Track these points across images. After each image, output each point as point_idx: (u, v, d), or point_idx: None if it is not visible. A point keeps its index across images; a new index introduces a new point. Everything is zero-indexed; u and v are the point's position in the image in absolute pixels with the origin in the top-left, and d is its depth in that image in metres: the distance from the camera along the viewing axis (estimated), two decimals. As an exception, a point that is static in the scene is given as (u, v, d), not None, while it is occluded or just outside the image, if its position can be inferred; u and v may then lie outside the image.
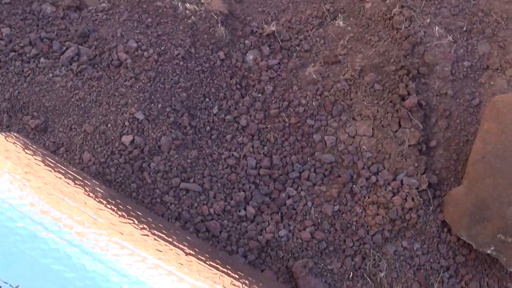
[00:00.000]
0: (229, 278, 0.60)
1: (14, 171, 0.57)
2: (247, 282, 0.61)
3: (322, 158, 0.87)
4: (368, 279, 0.84)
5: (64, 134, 0.79)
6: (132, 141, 0.78)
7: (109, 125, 0.79)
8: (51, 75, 0.82)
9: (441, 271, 0.88)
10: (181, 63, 0.86)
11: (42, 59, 0.84)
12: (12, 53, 0.85)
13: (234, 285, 0.60)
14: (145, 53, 0.85)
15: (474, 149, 0.88)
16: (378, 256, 0.85)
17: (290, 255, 0.81)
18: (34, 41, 0.86)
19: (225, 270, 0.61)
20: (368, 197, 0.86)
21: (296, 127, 0.88)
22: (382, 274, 0.84)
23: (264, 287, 0.63)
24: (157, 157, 0.79)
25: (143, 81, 0.82)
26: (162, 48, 0.86)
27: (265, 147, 0.86)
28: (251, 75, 0.90)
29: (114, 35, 0.86)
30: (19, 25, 0.89)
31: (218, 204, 0.79)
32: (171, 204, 0.77)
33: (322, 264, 0.83)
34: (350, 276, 0.83)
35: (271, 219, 0.82)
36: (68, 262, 0.52)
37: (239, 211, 0.80)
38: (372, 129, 0.90)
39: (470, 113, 0.96)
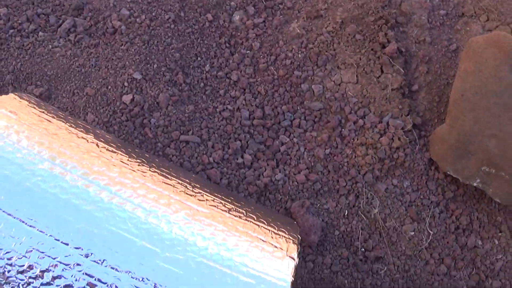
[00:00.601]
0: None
1: (31, 121, 0.63)
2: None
3: (311, 106, 0.93)
4: (363, 216, 0.91)
5: (67, 99, 0.85)
6: (132, 100, 0.84)
7: (109, 87, 0.85)
8: (50, 46, 0.88)
9: (432, 207, 0.95)
10: (172, 26, 0.92)
11: (40, 33, 0.89)
12: (12, 30, 0.90)
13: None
14: (137, 19, 0.90)
15: (454, 89, 0.94)
16: (371, 194, 0.92)
17: (287, 197, 0.88)
18: (31, 17, 0.91)
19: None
20: (357, 139, 0.93)
21: (284, 79, 0.94)
22: (375, 211, 0.91)
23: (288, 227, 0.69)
24: (156, 113, 0.85)
25: (138, 44, 0.88)
26: (153, 13, 0.92)
27: (256, 99, 0.92)
28: (238, 34, 0.96)
29: (107, 5, 0.92)
30: (15, 5, 0.95)
31: (217, 153, 0.85)
32: (172, 156, 0.84)
33: (318, 204, 0.89)
34: (346, 214, 0.90)
35: (267, 165, 0.89)
36: (87, 196, 0.58)
37: (237, 159, 0.87)
38: (356, 76, 0.96)
39: (448, 57, 1.02)
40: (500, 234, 1.04)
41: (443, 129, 0.97)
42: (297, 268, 0.84)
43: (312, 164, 0.93)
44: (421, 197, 0.98)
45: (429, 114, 0.99)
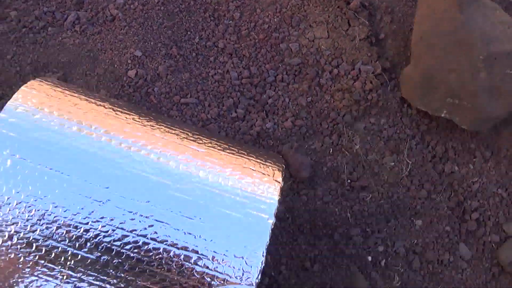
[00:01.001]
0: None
1: (57, 97, 0.78)
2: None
3: (290, 62, 1.07)
4: (346, 152, 1.05)
5: (81, 80, 0.99)
6: (136, 74, 0.98)
7: (115, 66, 0.99)
8: (60, 38, 1.02)
9: (408, 139, 1.08)
10: (162, 8, 1.05)
11: (49, 28, 1.03)
12: (24, 29, 1.04)
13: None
14: (131, 6, 1.04)
15: (413, 32, 1.07)
16: (351, 133, 1.06)
17: (278, 142, 1.02)
18: (39, 16, 1.05)
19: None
20: (334, 86, 1.06)
21: (264, 41, 1.07)
22: (357, 147, 1.05)
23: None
24: (158, 83, 0.99)
25: (135, 27, 1.02)
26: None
27: (242, 62, 1.06)
28: (220, 7, 1.09)
29: None
30: (23, 7, 1.08)
31: (213, 111, 0.99)
32: (176, 116, 0.98)
33: (306, 145, 1.03)
34: (331, 151, 1.04)
35: (258, 116, 1.02)
36: (109, 148, 0.73)
37: (231, 114, 1.01)
38: (327, 31, 1.09)
39: (409, 6, 1.14)
40: (474, 159, 1.16)
41: (409, 69, 1.10)
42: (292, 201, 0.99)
43: (297, 111, 1.06)
44: (398, 131, 1.11)
45: (397, 58, 1.12)
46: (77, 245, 0.72)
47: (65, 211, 0.72)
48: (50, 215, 0.72)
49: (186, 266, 0.72)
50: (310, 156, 1.03)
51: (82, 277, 0.73)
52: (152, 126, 0.81)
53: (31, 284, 0.74)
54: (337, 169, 1.04)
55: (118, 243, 0.71)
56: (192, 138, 0.82)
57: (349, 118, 1.06)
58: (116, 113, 0.80)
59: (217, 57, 1.07)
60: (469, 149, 1.11)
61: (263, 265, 0.75)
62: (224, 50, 1.07)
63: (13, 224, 0.72)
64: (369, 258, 1.01)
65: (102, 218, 0.72)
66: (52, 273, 0.73)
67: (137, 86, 0.99)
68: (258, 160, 0.82)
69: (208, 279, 0.73)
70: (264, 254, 0.75)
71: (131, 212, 0.71)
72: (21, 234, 0.72)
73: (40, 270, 0.73)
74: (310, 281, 0.98)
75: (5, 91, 1.00)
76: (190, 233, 0.72)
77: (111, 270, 0.73)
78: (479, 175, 1.10)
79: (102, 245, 0.71)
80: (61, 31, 1.03)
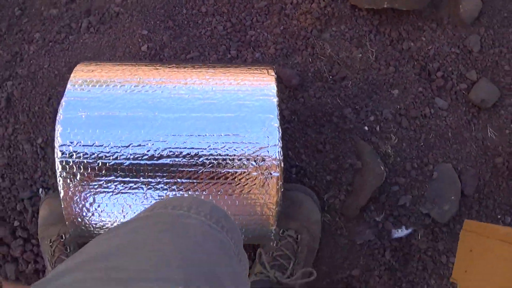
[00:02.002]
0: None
1: (104, 69, 1.08)
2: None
3: (259, 5, 1.35)
4: (322, 57, 1.32)
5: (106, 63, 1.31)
6: (148, 47, 1.29)
7: (130, 46, 1.30)
8: (81, 40, 1.33)
9: (367, 34, 1.36)
10: (153, -4, 1.38)
11: (70, 37, 1.33)
12: (50, 43, 1.34)
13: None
14: (128, 1, 1.36)
15: None
16: (321, 42, 1.34)
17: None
18: (58, 31, 1.34)
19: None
20: (297, 12, 1.35)
21: (232, 0, 1.38)
22: (329, 51, 1.33)
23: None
24: (166, 49, 1.29)
25: (136, 15, 1.33)
26: (138, -6, 1.38)
27: (223, 17, 1.35)
28: (194, -17, 1.42)
29: (106, 1, 1.38)
30: (43, 28, 1.38)
31: (212, 57, 1.29)
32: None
33: (290, 62, 1.32)
34: (310, 60, 1.32)
35: (248, 52, 1.31)
36: (150, 96, 1.02)
37: (227, 56, 1.30)
38: (279, -27, 1.40)
39: None
40: (424, 33, 1.40)
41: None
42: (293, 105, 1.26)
43: (275, 39, 1.35)
44: (357, 31, 1.38)
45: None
46: (149, 156, 1.00)
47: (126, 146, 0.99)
48: (123, 140, 1.00)
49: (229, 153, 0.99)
50: (295, 68, 1.32)
51: (156, 181, 1.01)
52: (177, 67, 1.10)
53: (125, 201, 1.02)
54: (319, 71, 1.32)
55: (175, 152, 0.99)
56: (206, 67, 1.11)
57: (316, 32, 1.35)
58: (149, 67, 1.09)
59: (203, 19, 1.37)
60: (418, 27, 1.38)
61: (280, 132, 1.03)
62: (207, 13, 1.38)
63: (99, 158, 1.01)
64: (366, 128, 1.28)
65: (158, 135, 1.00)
66: (135, 186, 1.02)
67: (151, 55, 1.29)
68: (253, 67, 1.11)
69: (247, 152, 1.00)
70: (278, 123, 1.02)
71: (168, 135, 0.99)
72: (107, 164, 1.01)
73: (127, 186, 1.01)
74: (326, 158, 1.26)
75: (51, 92, 1.30)
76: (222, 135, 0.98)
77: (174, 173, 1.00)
78: (432, 43, 1.37)
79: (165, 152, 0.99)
80: (80, 36, 1.35)
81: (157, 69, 1.08)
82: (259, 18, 1.36)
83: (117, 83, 1.04)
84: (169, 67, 1.09)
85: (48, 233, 1.13)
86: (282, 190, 1.03)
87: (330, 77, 1.31)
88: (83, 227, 0.99)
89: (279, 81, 1.27)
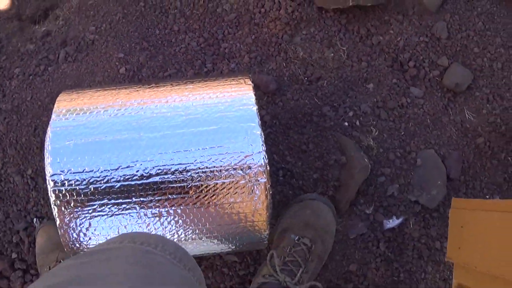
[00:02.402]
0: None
1: (85, 97, 1.12)
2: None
3: (229, 18, 1.40)
4: (295, 60, 1.36)
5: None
6: (126, 69, 1.33)
7: (108, 70, 1.34)
8: (60, 70, 1.36)
9: (336, 34, 1.41)
10: (123, 20, 1.40)
11: (49, 68, 1.37)
12: (31, 76, 1.38)
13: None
14: (102, 28, 1.39)
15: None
16: (293, 47, 1.39)
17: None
18: (37, 64, 1.38)
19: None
20: (266, 20, 1.41)
21: (205, 13, 1.40)
22: (301, 53, 1.38)
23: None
24: (143, 69, 1.33)
25: (111, 41, 1.37)
26: (109, 20, 1.41)
27: (196, 33, 1.40)
28: (164, 3, 1.45)
29: (79, 30, 1.42)
30: (22, 64, 1.41)
31: (190, 72, 1.34)
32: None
33: (265, 69, 1.37)
34: (284, 65, 1.37)
35: (223, 64, 1.36)
36: (135, 109, 1.06)
37: (203, 70, 1.35)
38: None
39: None
40: (391, 26, 1.47)
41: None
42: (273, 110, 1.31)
43: (248, 48, 1.40)
44: (326, 32, 1.43)
45: (304, -18, 1.47)
46: (138, 177, 1.03)
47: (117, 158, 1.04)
48: (112, 163, 1.04)
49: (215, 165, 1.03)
50: (271, 74, 1.37)
51: (148, 199, 1.05)
52: (157, 86, 1.15)
53: (120, 223, 1.05)
54: (295, 75, 1.37)
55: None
56: (184, 83, 1.16)
57: (287, 37, 1.40)
58: (129, 89, 1.13)
59: (176, 37, 1.42)
60: (385, 21, 1.44)
61: (262, 138, 1.07)
62: (179, 31, 1.43)
63: (90, 184, 1.04)
64: (346, 123, 1.33)
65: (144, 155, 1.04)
66: (128, 206, 1.05)
67: (130, 76, 1.33)
68: (230, 78, 1.16)
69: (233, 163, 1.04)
70: (260, 131, 1.07)
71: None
72: (99, 188, 1.04)
73: (121, 207, 1.05)
74: (311, 157, 1.30)
75: (36, 123, 1.34)
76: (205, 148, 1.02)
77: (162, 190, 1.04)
78: (400, 35, 1.42)
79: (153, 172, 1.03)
80: (58, 66, 1.39)
81: (137, 90, 1.12)
82: (230, 30, 1.41)
83: (100, 108, 1.07)
84: (149, 87, 1.13)
85: (46, 260, 1.17)
86: (271, 193, 1.07)
87: (306, 78, 1.36)
88: (82, 252, 1.03)
89: (257, 88, 1.32)
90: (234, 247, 1.12)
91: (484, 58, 1.41)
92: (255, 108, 1.06)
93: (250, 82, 1.12)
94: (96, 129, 1.05)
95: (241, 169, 1.03)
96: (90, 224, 1.00)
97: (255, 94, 1.07)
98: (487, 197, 1.36)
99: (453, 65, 1.39)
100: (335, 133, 1.30)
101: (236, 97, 1.06)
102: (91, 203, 0.98)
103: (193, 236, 1.04)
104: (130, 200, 1.04)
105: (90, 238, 1.01)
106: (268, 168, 1.01)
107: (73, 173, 0.96)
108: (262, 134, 1.04)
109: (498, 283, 0.93)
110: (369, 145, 1.32)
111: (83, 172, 0.99)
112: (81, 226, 1.00)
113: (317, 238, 1.15)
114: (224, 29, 1.41)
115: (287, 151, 1.29)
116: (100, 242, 1.04)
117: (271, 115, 1.31)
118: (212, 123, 1.05)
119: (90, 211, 0.99)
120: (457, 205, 1.20)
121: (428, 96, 1.38)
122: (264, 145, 1.04)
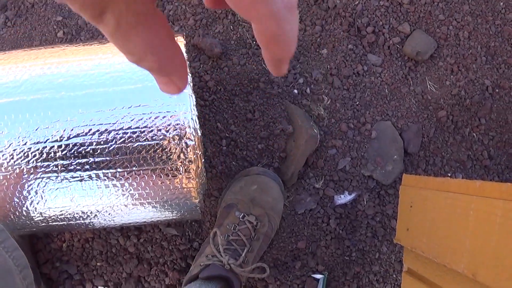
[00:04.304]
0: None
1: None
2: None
3: None
4: (244, 23, 1.37)
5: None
6: (63, 33, 1.32)
7: (46, 34, 1.33)
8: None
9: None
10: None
11: (-11, 32, 1.41)
12: None
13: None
14: (41, -11, 1.42)
15: None
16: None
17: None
18: None
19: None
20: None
21: None
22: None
23: None
24: (82, 32, 1.33)
25: (50, 4, 1.37)
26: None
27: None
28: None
29: None
30: None
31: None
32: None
33: (211, 32, 1.35)
34: (232, 28, 1.37)
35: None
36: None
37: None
38: None
39: None
40: None
41: None
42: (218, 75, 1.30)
43: (194, 11, 1.38)
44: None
45: None
46: (58, 138, 1.05)
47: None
48: (31, 124, 1.05)
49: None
50: (217, 38, 1.36)
51: (69, 162, 1.06)
52: (84, 45, 1.16)
53: (38, 187, 1.06)
54: (242, 38, 1.36)
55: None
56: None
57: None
58: (55, 49, 1.14)
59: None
60: (343, -15, 1.43)
61: (193, 99, 1.07)
62: None
63: (9, 146, 1.06)
64: (295, 91, 1.32)
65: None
66: (48, 169, 1.06)
67: (68, 40, 1.33)
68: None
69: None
70: (191, 91, 1.07)
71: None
72: (17, 150, 1.05)
73: (39, 171, 1.06)
74: (256, 127, 1.30)
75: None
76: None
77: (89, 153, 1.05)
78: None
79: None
80: (-3, 30, 1.41)
81: (63, 49, 1.12)
82: (174, -8, 1.41)
83: (21, 67, 1.07)
84: (75, 46, 1.13)
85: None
86: (202, 159, 1.07)
87: (254, 42, 1.35)
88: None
89: (201, 51, 1.31)
90: (166, 214, 1.12)
91: (450, 26, 1.39)
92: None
93: (183, 40, 1.12)
94: (17, 89, 1.05)
95: (167, 130, 1.03)
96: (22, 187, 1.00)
97: (187, 53, 1.07)
98: (449, 175, 1.35)
99: (416, 32, 1.38)
100: (283, 101, 1.29)
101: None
102: (10, 166, 0.99)
103: (119, 202, 1.04)
104: (49, 163, 1.04)
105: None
106: (199, 131, 1.01)
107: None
108: (193, 95, 1.04)
109: (446, 271, 0.90)
110: (320, 115, 1.31)
111: (1, 134, 1.00)
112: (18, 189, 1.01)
113: (264, 216, 1.15)
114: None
115: (231, 119, 1.28)
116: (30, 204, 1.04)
117: (216, 80, 1.30)
118: (137, 82, 1.05)
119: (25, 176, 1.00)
120: (407, 182, 1.18)
121: (386, 64, 1.37)
122: (194, 106, 1.04)
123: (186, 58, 1.07)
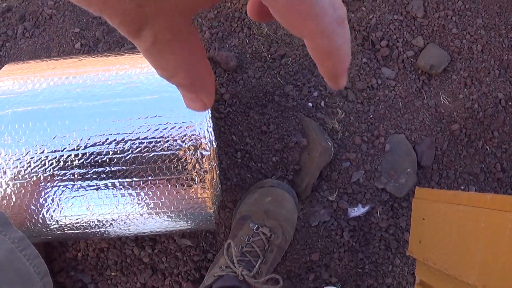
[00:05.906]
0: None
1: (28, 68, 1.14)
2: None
3: None
4: (259, 37, 1.36)
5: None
6: (81, 44, 1.33)
7: (64, 45, 1.35)
8: (17, 46, 1.38)
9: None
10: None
11: (7, 44, 1.39)
12: None
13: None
14: (60, 2, 1.43)
15: None
16: (257, 23, 1.40)
17: (205, 50, 1.37)
18: None
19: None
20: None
21: None
22: (265, 30, 1.37)
23: None
24: (99, 44, 1.33)
25: (68, 15, 1.37)
26: (67, -6, 1.45)
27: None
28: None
29: (39, 6, 1.44)
30: None
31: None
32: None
33: (227, 45, 1.36)
34: (247, 41, 1.37)
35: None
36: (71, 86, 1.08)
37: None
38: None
39: None
40: (364, 3, 1.45)
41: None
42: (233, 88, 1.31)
43: (210, 24, 1.40)
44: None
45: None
46: (75, 147, 1.05)
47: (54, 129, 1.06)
48: (48, 133, 1.05)
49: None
50: (233, 51, 1.37)
51: (85, 171, 1.06)
52: (101, 56, 1.17)
53: (54, 194, 1.07)
54: (258, 51, 1.37)
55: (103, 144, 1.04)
56: (130, 53, 1.17)
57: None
58: (73, 59, 1.15)
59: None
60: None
61: (209, 111, 1.07)
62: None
63: (27, 153, 1.06)
64: (310, 104, 1.33)
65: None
66: (65, 177, 1.07)
67: (86, 52, 1.34)
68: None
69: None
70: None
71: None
72: (35, 158, 1.06)
73: (56, 179, 1.06)
74: (271, 139, 1.30)
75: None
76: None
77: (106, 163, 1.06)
78: (373, 12, 1.41)
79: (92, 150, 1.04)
80: (16, 42, 1.41)
81: (81, 60, 1.13)
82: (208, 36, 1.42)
83: (40, 77, 1.08)
84: (93, 57, 1.14)
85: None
86: (217, 171, 1.07)
87: (269, 56, 1.36)
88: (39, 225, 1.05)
89: (217, 65, 1.32)
90: (180, 224, 1.12)
91: (463, 39, 1.39)
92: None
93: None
94: (36, 98, 1.05)
95: (182, 141, 1.03)
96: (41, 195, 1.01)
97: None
98: (462, 187, 1.34)
99: (429, 46, 1.37)
100: (298, 114, 1.29)
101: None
102: (27, 174, 0.99)
103: (135, 211, 1.04)
104: (66, 172, 1.04)
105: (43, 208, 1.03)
106: (214, 143, 1.01)
107: (9, 143, 0.98)
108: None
109: (458, 283, 0.89)
110: (334, 128, 1.31)
111: (19, 141, 1.00)
112: (34, 197, 1.01)
113: (278, 228, 1.14)
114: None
115: (246, 132, 1.28)
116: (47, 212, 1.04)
117: (231, 93, 1.31)
118: (154, 92, 1.05)
119: (43, 184, 1.00)
120: (420, 195, 1.18)
121: (400, 78, 1.36)
122: (210, 117, 1.04)
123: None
